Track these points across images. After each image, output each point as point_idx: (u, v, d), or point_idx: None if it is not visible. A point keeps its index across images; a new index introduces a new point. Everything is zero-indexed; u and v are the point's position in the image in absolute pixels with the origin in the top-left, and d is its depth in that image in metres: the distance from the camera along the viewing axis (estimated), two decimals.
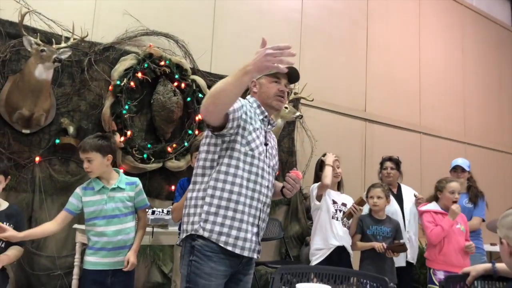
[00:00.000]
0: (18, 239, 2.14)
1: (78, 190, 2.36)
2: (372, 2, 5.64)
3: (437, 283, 3.02)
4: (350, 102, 5.24)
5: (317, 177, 3.15)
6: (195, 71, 3.98)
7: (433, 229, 3.07)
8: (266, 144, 1.91)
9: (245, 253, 1.77)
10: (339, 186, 3.20)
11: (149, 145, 3.62)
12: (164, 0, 3.95)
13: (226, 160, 1.78)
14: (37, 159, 3.17)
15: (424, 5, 6.30)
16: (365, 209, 3.15)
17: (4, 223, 2.19)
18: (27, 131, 3.16)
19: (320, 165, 3.12)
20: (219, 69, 4.17)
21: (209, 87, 3.91)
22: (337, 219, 3.02)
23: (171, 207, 2.73)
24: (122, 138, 3.40)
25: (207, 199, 1.76)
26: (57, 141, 3.23)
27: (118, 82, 3.43)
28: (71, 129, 3.24)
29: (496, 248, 4.45)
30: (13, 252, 2.25)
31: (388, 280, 1.81)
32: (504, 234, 1.56)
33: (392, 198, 3.35)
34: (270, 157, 1.92)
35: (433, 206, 3.21)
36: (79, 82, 3.40)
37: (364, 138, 5.34)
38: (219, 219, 1.74)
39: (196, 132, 3.81)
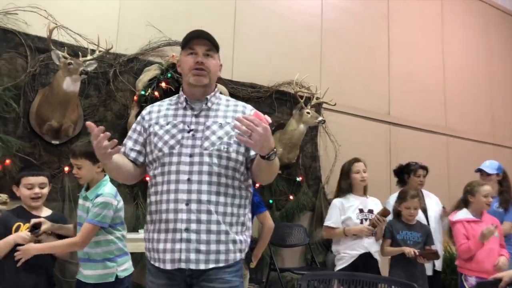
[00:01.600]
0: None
1: None
2: (392, 3, 5.59)
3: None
4: (373, 105, 5.19)
5: (339, 182, 3.13)
6: (217, 79, 4.01)
7: (462, 244, 3.01)
8: (189, 131, 1.66)
9: (167, 266, 1.57)
10: (364, 190, 3.17)
11: None
12: (185, 10, 4.02)
13: (151, 173, 1.71)
14: (66, 169, 3.25)
15: (446, 5, 6.19)
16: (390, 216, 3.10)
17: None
18: (56, 142, 3.25)
19: (347, 172, 3.10)
20: (241, 76, 4.21)
21: (231, 94, 3.95)
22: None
23: None
24: None
25: (147, 216, 1.72)
26: None
27: (142, 92, 3.50)
28: None
29: None
30: (58, 242, 2.28)
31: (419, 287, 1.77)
32: None
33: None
34: (195, 143, 1.63)
35: (465, 214, 3.11)
36: (105, 93, 3.49)
37: (389, 142, 5.26)
38: (147, 235, 1.69)
39: None
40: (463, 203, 3.18)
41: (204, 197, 1.58)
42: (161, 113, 1.75)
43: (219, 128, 1.66)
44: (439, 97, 5.89)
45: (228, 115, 1.71)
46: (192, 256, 1.55)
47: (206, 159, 1.61)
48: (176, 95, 1.82)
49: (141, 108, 3.48)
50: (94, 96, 3.45)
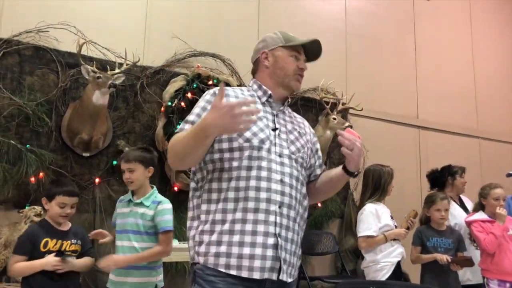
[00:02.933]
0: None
1: (117, 203, 2.50)
2: (418, 4, 5.49)
3: None
4: (401, 109, 5.09)
5: (372, 187, 3.06)
6: None
7: (486, 237, 2.94)
8: (274, 129, 1.53)
9: (255, 275, 1.35)
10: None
11: None
12: (209, 21, 4.07)
13: (218, 165, 1.45)
14: (96, 180, 3.33)
15: (474, 3, 6.04)
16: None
17: (73, 240, 2.35)
18: (87, 154, 3.33)
19: (378, 177, 3.02)
20: None
21: None
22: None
23: None
24: None
25: (202, 217, 1.44)
26: (115, 162, 3.38)
27: (169, 103, 3.55)
28: (127, 151, 3.38)
29: None
30: (81, 262, 2.33)
31: None
32: None
33: (458, 208, 3.22)
34: (282, 144, 1.51)
35: (480, 215, 3.08)
36: (133, 105, 3.56)
37: (418, 146, 5.15)
38: (214, 237, 1.39)
39: None
40: (479, 206, 3.15)
41: (293, 203, 1.46)
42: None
43: (299, 136, 1.60)
44: (470, 99, 5.73)
45: (301, 125, 1.67)
46: (284, 266, 1.40)
47: (294, 163, 1.50)
48: (248, 87, 1.66)
49: (168, 118, 3.53)
50: (123, 108, 3.53)
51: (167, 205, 2.35)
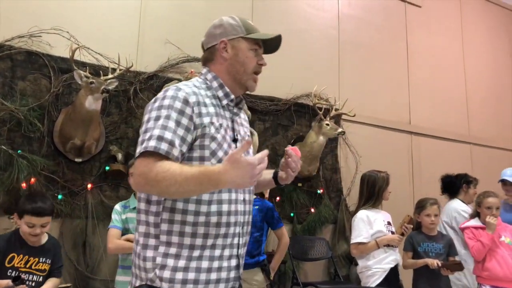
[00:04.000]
0: None
1: (117, 207, 2.52)
2: (410, 12, 5.55)
3: None
4: (393, 115, 5.13)
5: (366, 193, 3.07)
6: None
7: (474, 245, 3.01)
8: (235, 140, 1.40)
9: None
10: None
11: None
12: (203, 26, 4.03)
13: None
14: (89, 186, 3.31)
15: (466, 11, 6.12)
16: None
17: (42, 258, 2.29)
18: (79, 160, 3.31)
19: (373, 183, 3.02)
20: (258, 90, 4.15)
21: (249, 108, 3.96)
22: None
23: None
24: None
25: (163, 238, 1.29)
26: (107, 168, 3.37)
27: None
28: (119, 156, 3.38)
29: None
30: (48, 285, 2.29)
31: None
32: None
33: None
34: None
35: (474, 221, 3.14)
36: (126, 111, 3.55)
37: (411, 152, 5.18)
38: (182, 263, 1.27)
39: None
40: (475, 213, 3.21)
41: (248, 217, 1.41)
42: (207, 108, 1.36)
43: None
44: (461, 105, 5.78)
45: (246, 125, 1.55)
46: (237, 283, 1.37)
47: None
48: (200, 79, 1.47)
49: None
50: (116, 113, 3.52)
51: None
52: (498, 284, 2.91)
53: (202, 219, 1.29)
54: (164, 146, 1.25)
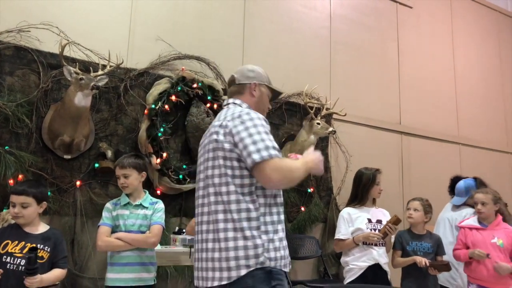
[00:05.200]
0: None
1: (108, 205, 2.57)
2: (401, 13, 5.59)
3: None
4: (384, 115, 5.16)
5: (353, 190, 3.09)
6: (227, 91, 4.03)
7: (456, 249, 3.09)
8: None
9: (288, 269, 1.76)
10: (374, 200, 3.12)
11: (184, 166, 3.68)
12: (195, 24, 4.06)
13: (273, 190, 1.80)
14: (78, 183, 3.28)
15: (456, 13, 6.17)
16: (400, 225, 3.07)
17: (40, 245, 2.24)
18: (68, 157, 3.28)
19: (371, 182, 3.04)
20: None
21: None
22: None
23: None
24: (158, 160, 3.47)
25: (264, 227, 1.68)
26: (97, 165, 3.34)
27: (153, 106, 3.52)
28: (109, 153, 3.35)
29: None
30: (50, 276, 2.24)
31: None
32: None
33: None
34: None
35: (471, 221, 3.15)
36: (116, 107, 3.52)
37: (401, 152, 5.21)
38: (277, 244, 1.70)
39: None
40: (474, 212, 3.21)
41: None
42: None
43: None
44: (451, 106, 5.84)
45: None
46: None
47: None
48: (245, 104, 1.92)
49: (152, 121, 3.51)
50: (105, 110, 3.49)
51: (161, 204, 2.61)
52: (484, 284, 2.95)
53: (280, 209, 1.78)
54: (272, 152, 1.69)
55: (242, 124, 1.72)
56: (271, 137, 1.75)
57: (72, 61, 3.29)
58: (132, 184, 2.53)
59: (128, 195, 2.56)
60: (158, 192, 3.50)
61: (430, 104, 5.59)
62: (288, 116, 4.37)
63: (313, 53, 4.73)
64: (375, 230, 2.94)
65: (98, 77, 3.15)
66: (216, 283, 1.64)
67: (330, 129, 4.11)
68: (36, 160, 3.13)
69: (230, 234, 1.64)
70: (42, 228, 2.36)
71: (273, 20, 4.54)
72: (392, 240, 3.09)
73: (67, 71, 3.05)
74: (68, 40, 3.26)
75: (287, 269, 1.72)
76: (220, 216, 1.67)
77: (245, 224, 1.65)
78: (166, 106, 3.59)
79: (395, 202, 4.72)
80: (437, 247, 3.04)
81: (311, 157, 1.80)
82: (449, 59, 5.97)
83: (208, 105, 3.81)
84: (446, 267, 2.88)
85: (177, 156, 3.75)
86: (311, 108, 4.16)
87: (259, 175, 1.66)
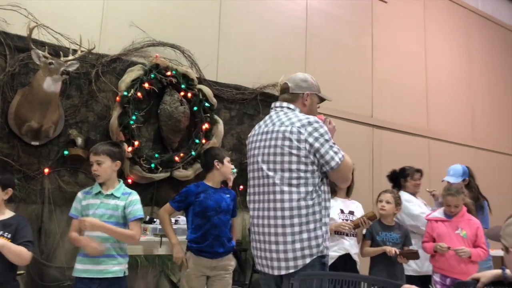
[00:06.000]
0: None
1: (79, 194, 2.50)
2: (376, 8, 5.65)
3: (433, 285, 3.19)
4: (356, 108, 5.23)
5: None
6: (201, 80, 4.00)
7: (424, 242, 3.23)
8: None
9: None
10: (348, 191, 3.18)
11: (156, 155, 3.64)
12: (170, 11, 3.99)
13: (323, 187, 2.02)
14: (46, 170, 3.20)
15: (429, 10, 6.30)
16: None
17: (0, 231, 2.20)
18: (36, 143, 3.19)
19: None
20: (225, 78, 4.20)
21: (215, 96, 3.94)
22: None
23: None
24: (130, 148, 3.42)
25: (323, 220, 1.99)
26: (66, 152, 3.26)
27: (125, 93, 3.46)
28: (79, 140, 3.27)
29: None
30: (16, 247, 2.19)
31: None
32: (510, 243, 1.51)
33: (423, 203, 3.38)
34: None
35: (437, 213, 3.27)
36: (86, 94, 3.44)
37: (372, 144, 5.31)
38: (326, 236, 2.00)
39: (203, 141, 3.82)
40: (441, 204, 3.33)
41: None
42: None
43: None
44: (421, 100, 5.98)
45: None
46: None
47: None
48: (298, 109, 2.12)
49: (124, 109, 3.44)
50: (76, 96, 3.40)
51: (136, 196, 2.50)
52: (447, 274, 3.09)
53: (328, 204, 2.04)
54: (339, 150, 2.06)
55: (316, 131, 1.97)
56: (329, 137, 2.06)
57: (41, 44, 3.18)
58: (105, 172, 2.43)
59: (101, 185, 2.48)
60: (130, 181, 3.45)
61: (402, 98, 5.71)
62: (263, 106, 4.37)
63: (289, 45, 4.74)
64: (347, 220, 3.00)
65: (69, 62, 3.05)
66: (283, 272, 1.93)
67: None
68: (1, 146, 3.03)
69: (296, 228, 1.92)
70: (6, 215, 2.32)
71: (250, 11, 4.51)
72: (364, 232, 3.16)
73: (35, 54, 2.95)
74: (36, 23, 3.15)
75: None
76: (287, 213, 1.94)
77: (310, 218, 1.93)
78: (139, 94, 3.53)
79: (365, 195, 4.81)
80: (405, 238, 3.14)
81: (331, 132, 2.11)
82: (421, 54, 6.10)
83: (182, 93, 3.77)
84: (415, 255, 2.98)
85: (149, 145, 3.71)
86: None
87: (337, 175, 2.02)
